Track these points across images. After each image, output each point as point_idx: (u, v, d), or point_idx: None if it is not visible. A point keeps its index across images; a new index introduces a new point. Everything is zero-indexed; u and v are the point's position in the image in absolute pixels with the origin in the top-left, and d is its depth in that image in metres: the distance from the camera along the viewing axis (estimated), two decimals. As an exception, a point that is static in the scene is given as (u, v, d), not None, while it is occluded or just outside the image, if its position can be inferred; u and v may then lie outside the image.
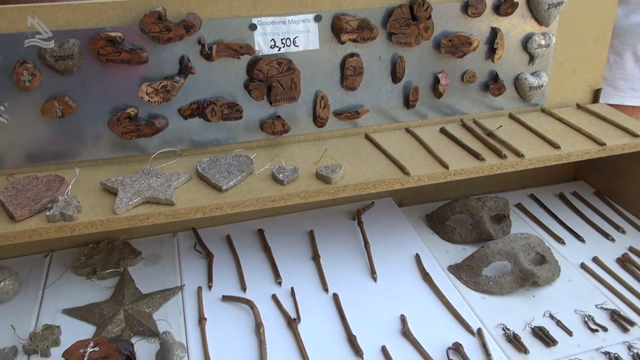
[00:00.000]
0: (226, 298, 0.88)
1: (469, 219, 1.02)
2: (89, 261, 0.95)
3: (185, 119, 0.93)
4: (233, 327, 0.82)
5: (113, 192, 0.84)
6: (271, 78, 0.93)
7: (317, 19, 0.93)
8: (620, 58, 1.24)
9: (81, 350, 0.69)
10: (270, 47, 0.93)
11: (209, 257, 0.97)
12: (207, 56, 0.89)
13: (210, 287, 0.91)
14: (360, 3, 0.94)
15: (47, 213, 0.78)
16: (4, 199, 0.80)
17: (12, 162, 0.89)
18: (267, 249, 0.99)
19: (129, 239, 1.01)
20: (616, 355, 0.76)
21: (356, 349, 0.78)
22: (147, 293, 0.89)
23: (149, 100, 0.89)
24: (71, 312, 0.86)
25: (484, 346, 0.77)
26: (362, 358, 0.77)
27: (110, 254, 0.96)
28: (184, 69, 0.90)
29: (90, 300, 0.88)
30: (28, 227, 0.77)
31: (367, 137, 1.02)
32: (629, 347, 0.77)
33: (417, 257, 0.96)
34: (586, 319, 0.83)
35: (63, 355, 0.69)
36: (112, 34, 0.84)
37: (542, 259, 0.92)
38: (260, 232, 1.03)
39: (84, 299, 0.88)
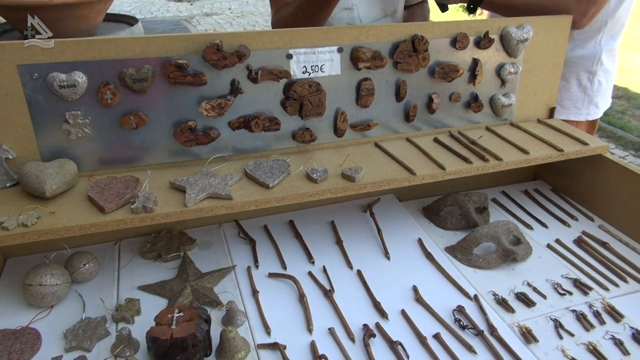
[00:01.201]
0: (272, 275, 0.95)
1: (458, 210, 1.11)
2: (154, 247, 1.00)
3: (234, 130, 1.00)
4: (281, 298, 0.89)
5: (180, 190, 0.90)
6: (303, 97, 1.01)
7: (340, 50, 1.01)
8: (567, 83, 1.35)
9: (169, 315, 0.75)
10: (303, 72, 1.00)
11: (252, 243, 1.03)
12: (253, 79, 0.97)
13: (257, 267, 0.97)
14: (373, 38, 1.03)
15: (132, 206, 0.83)
16: (93, 196, 0.85)
17: (92, 166, 0.94)
18: (298, 236, 1.06)
19: (184, 229, 1.07)
20: (581, 312, 0.86)
21: (381, 312, 0.85)
22: (207, 272, 0.95)
23: (206, 115, 0.95)
24: (145, 288, 0.91)
25: (480, 308, 0.86)
26: (387, 318, 0.85)
27: (171, 242, 1.02)
28: (235, 89, 0.96)
29: (160, 279, 0.93)
30: (117, 218, 0.82)
31: (377, 145, 1.10)
32: (590, 306, 0.87)
33: (420, 241, 1.05)
34: (555, 285, 0.93)
35: (155, 319, 0.75)
36: (180, 61, 0.90)
37: (518, 240, 1.02)
38: (291, 222, 1.10)
39: (154, 278, 0.93)
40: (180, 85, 0.92)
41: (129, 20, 2.28)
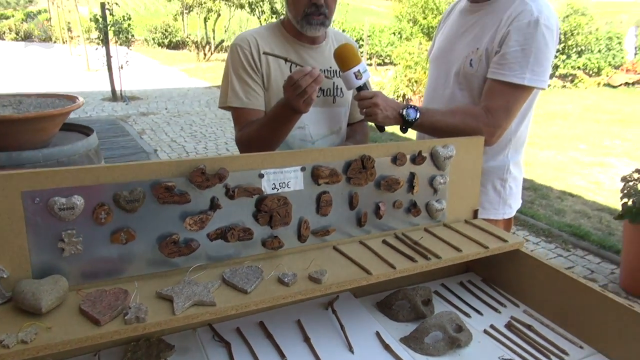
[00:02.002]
0: (250, 374, 1.03)
1: (407, 304, 1.27)
2: (134, 356, 1.05)
3: (212, 241, 1.12)
4: (261, 395, 0.97)
5: (167, 299, 0.99)
6: (272, 210, 1.16)
7: (303, 169, 1.20)
8: (485, 189, 1.60)
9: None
10: (272, 188, 1.17)
11: (227, 346, 1.12)
12: (231, 197, 1.11)
13: (235, 367, 1.05)
14: (330, 159, 1.22)
15: (125, 317, 0.91)
16: (86, 309, 0.93)
17: (81, 280, 1.01)
18: (270, 337, 1.15)
19: (162, 336, 1.13)
20: (518, 387, 1.01)
21: (353, 402, 0.96)
22: (188, 376, 1.02)
23: (189, 229, 1.07)
24: (132, 396, 0.96)
25: (436, 390, 1.00)
26: (359, 407, 0.95)
27: (150, 349, 1.08)
28: (214, 205, 1.10)
29: (144, 386, 0.98)
30: (111, 329, 0.90)
31: (335, 248, 1.26)
32: (525, 382, 1.03)
33: (378, 334, 1.18)
34: (495, 366, 1.08)
35: None
36: (169, 183, 1.04)
37: (460, 328, 1.18)
38: (262, 324, 1.20)
39: (138, 385, 0.98)
40: (167, 204, 1.05)
41: (84, 130, 2.38)
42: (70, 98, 2.34)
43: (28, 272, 0.97)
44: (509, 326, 1.24)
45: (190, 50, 19.70)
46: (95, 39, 9.73)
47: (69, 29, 19.60)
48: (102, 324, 0.90)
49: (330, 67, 1.59)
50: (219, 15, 17.78)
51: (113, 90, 9.26)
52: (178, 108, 8.82)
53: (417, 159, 1.34)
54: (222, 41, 19.47)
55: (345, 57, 1.43)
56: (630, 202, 2.86)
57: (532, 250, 3.47)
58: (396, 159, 1.31)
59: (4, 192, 0.93)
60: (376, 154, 1.28)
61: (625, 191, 2.87)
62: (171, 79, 12.94)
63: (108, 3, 8.69)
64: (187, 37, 19.27)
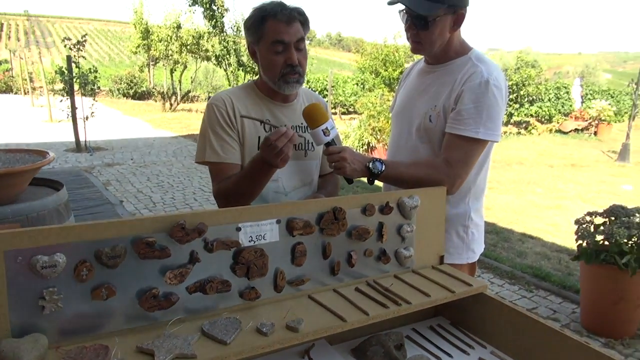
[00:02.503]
0: None
1: (381, 349, 1.31)
2: (113, 412, 1.05)
3: (190, 294, 1.15)
4: None
5: (148, 353, 1.01)
6: (249, 262, 1.21)
7: (278, 222, 1.25)
8: (449, 235, 1.69)
9: None
10: (249, 241, 1.21)
11: (206, 397, 1.13)
12: (209, 250, 1.16)
13: (215, 420, 1.06)
14: (304, 211, 1.29)
15: (107, 373, 0.93)
16: (67, 366, 0.93)
17: (60, 337, 1.02)
18: (248, 386, 1.17)
19: (140, 391, 1.13)
20: None
21: None
22: None
23: (169, 283, 1.11)
24: None
25: None
26: None
27: (128, 405, 1.08)
28: (193, 259, 1.14)
29: None
30: (93, 386, 0.91)
31: (310, 297, 1.30)
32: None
33: (354, 380, 1.22)
34: (466, 407, 1.13)
35: None
36: (149, 239, 1.08)
37: (432, 371, 1.23)
38: (240, 374, 1.22)
39: None
40: (148, 259, 1.08)
41: (53, 185, 2.38)
42: (41, 153, 2.35)
43: (7, 331, 0.97)
44: (477, 367, 1.30)
45: (156, 101, 19.78)
46: (60, 90, 9.67)
47: (31, 80, 19.44)
48: (83, 381, 0.91)
49: (302, 124, 1.68)
50: (185, 67, 18.05)
51: (77, 141, 9.16)
52: (144, 158, 8.77)
53: (385, 209, 1.43)
54: (189, 91, 19.69)
55: (313, 116, 1.53)
56: (584, 244, 3.02)
57: (496, 293, 3.58)
58: (365, 210, 1.39)
59: (-14, 252, 0.94)
60: (347, 206, 1.36)
61: (580, 233, 3.03)
62: (136, 129, 12.91)
63: (74, 56, 8.74)
64: (153, 87, 19.37)
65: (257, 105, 1.63)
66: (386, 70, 11.76)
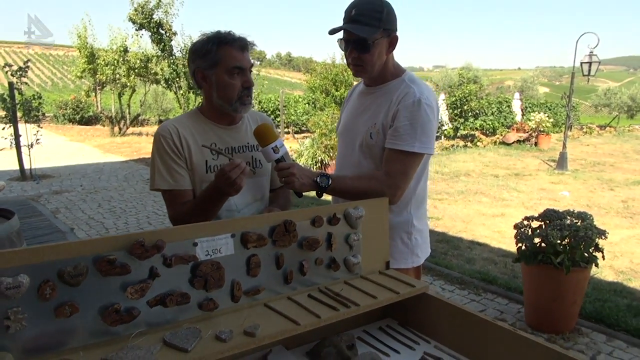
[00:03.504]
0: None
1: (333, 350, 1.41)
2: None
3: (151, 307, 1.22)
4: None
5: (112, 364, 1.07)
6: (207, 274, 1.29)
7: (233, 236, 1.34)
8: (393, 241, 1.82)
9: None
10: (206, 255, 1.30)
11: (169, 405, 1.19)
12: (168, 265, 1.23)
13: None
14: (257, 225, 1.39)
15: (74, 384, 0.98)
16: (34, 381, 0.98)
17: (26, 354, 1.06)
18: (210, 392, 1.24)
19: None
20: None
21: None
22: None
23: (131, 297, 1.17)
24: None
25: (362, 421, 1.14)
26: None
27: (94, 417, 1.13)
28: (153, 274, 1.21)
29: None
30: (61, 397, 0.96)
31: (266, 305, 1.39)
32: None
33: (309, 379, 1.31)
34: (411, 395, 1.25)
35: None
36: (110, 257, 1.14)
37: (381, 365, 1.35)
38: (201, 382, 1.28)
39: None
40: (110, 275, 1.15)
41: (5, 214, 2.36)
42: (-11, 182, 2.33)
43: (-28, 352, 1.01)
44: (421, 360, 1.42)
45: (104, 125, 19.33)
46: (2, 117, 9.34)
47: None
48: (51, 393, 0.96)
49: (248, 143, 1.79)
50: (134, 90, 17.78)
51: (22, 170, 8.85)
52: (94, 184, 8.58)
53: (332, 220, 1.54)
54: (138, 115, 19.35)
55: (263, 135, 1.64)
56: (523, 247, 3.25)
57: (448, 298, 3.76)
58: (315, 222, 1.50)
59: (-50, 276, 0.99)
60: (297, 218, 1.46)
61: (519, 237, 3.26)
62: (85, 155, 12.57)
63: (17, 82, 8.49)
64: (100, 112, 18.92)
65: (203, 131, 1.72)
66: (337, 90, 12.07)
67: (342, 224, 1.57)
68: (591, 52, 10.50)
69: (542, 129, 14.48)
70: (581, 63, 10.90)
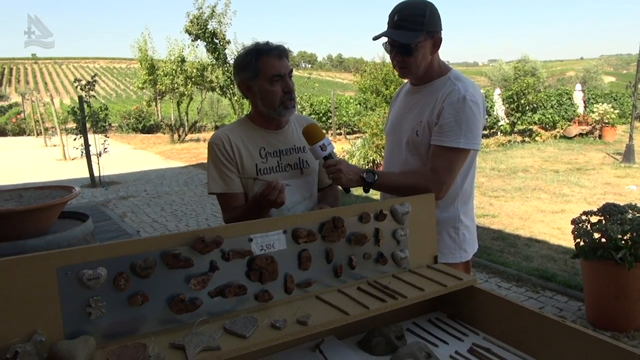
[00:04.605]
0: (253, 408, 1.21)
1: (383, 340, 1.47)
2: (152, 402, 1.22)
3: (212, 298, 1.33)
4: None
5: (179, 348, 1.18)
6: (262, 268, 1.39)
7: (284, 232, 1.43)
8: (441, 237, 1.85)
9: None
10: (260, 250, 1.39)
11: (231, 388, 1.29)
12: (226, 259, 1.34)
13: (240, 404, 1.22)
14: (307, 222, 1.47)
15: (148, 364, 1.10)
16: (113, 360, 1.11)
17: (105, 339, 1.20)
18: (267, 377, 1.34)
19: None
20: (478, 398, 1.21)
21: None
22: (200, 415, 1.18)
23: (194, 288, 1.29)
24: None
25: (410, 406, 1.19)
26: None
27: (165, 396, 1.25)
28: (213, 267, 1.32)
29: None
30: (136, 375, 1.08)
31: (317, 297, 1.47)
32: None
33: (359, 367, 1.38)
34: (459, 383, 1.28)
35: None
36: (175, 252, 1.26)
37: (429, 355, 1.38)
38: (259, 368, 1.38)
39: None
40: (174, 268, 1.27)
41: (81, 217, 2.58)
42: (67, 188, 2.56)
43: (61, 335, 1.16)
44: (471, 351, 1.45)
45: (164, 133, 20.21)
46: (73, 129, 10.03)
47: (42, 121, 20.00)
48: (128, 371, 1.08)
49: (295, 145, 1.89)
50: (191, 98, 18.51)
51: (92, 177, 9.46)
52: (157, 189, 9.03)
53: (379, 216, 1.60)
54: (196, 122, 20.10)
55: (312, 134, 1.73)
56: (582, 242, 3.15)
57: (505, 295, 3.69)
58: (362, 218, 1.57)
59: (42, 270, 1.13)
60: (345, 215, 1.53)
61: (577, 232, 3.17)
62: (147, 162, 13.23)
63: (85, 96, 9.10)
64: (161, 120, 19.84)
65: (253, 137, 1.83)
66: (387, 89, 12.03)
67: (389, 219, 1.62)
68: (658, 36, 9.86)
69: (606, 121, 13.74)
70: (647, 49, 10.26)
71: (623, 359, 1.18)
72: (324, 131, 1.76)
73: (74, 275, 1.16)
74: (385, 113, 10.32)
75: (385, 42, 1.81)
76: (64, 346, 1.11)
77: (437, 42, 1.80)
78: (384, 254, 1.62)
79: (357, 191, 6.41)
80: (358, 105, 17.85)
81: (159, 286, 1.26)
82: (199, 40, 11.08)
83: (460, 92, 1.74)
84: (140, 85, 18.92)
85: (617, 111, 14.52)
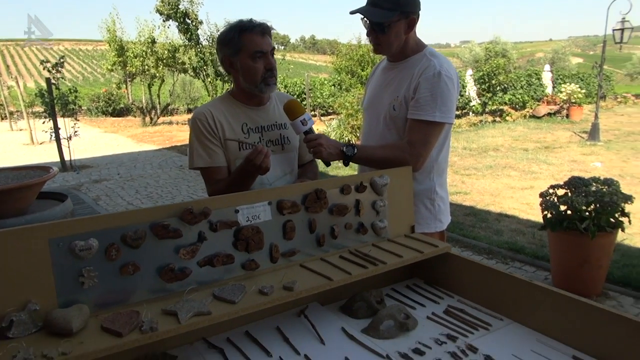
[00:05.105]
0: (244, 368, 1.27)
1: (364, 304, 1.55)
2: (146, 367, 1.27)
3: (201, 267, 1.38)
4: (255, 382, 1.21)
5: (171, 314, 1.23)
6: (248, 238, 1.44)
7: (269, 203, 1.49)
8: (417, 208, 1.94)
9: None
10: (246, 220, 1.44)
11: (220, 351, 1.35)
12: (214, 230, 1.38)
13: (231, 366, 1.29)
14: (291, 194, 1.53)
15: (142, 329, 1.15)
16: (107, 326, 1.15)
17: (98, 307, 1.24)
18: (255, 341, 1.40)
19: (165, 351, 1.35)
20: (454, 352, 1.31)
21: (328, 377, 1.22)
22: (193, 376, 1.24)
23: (183, 258, 1.33)
24: (150, 396, 1.17)
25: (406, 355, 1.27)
26: (333, 380, 1.21)
27: (158, 361, 1.30)
28: (201, 238, 1.37)
29: (158, 387, 1.20)
30: (132, 339, 1.13)
31: (301, 266, 1.54)
32: (458, 347, 1.33)
33: (343, 329, 1.45)
34: (436, 340, 1.37)
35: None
36: (165, 223, 1.30)
37: (407, 316, 1.47)
38: (247, 333, 1.44)
39: (153, 388, 1.20)
40: (164, 239, 1.31)
41: (59, 197, 2.58)
42: (44, 169, 2.54)
43: (55, 304, 1.19)
44: (446, 312, 1.54)
45: (135, 116, 19.83)
46: (41, 112, 9.76)
47: (7, 105, 19.34)
48: (124, 335, 1.13)
49: (276, 122, 1.93)
50: (162, 80, 18.15)
51: (62, 161, 9.26)
52: (130, 172, 8.92)
53: (359, 188, 1.67)
54: (168, 104, 19.76)
55: (292, 109, 1.77)
56: (549, 214, 3.30)
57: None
58: (343, 190, 1.63)
59: (34, 241, 1.16)
60: (327, 187, 1.59)
61: (544, 205, 3.31)
62: (119, 145, 13.00)
63: (53, 78, 8.85)
64: (131, 103, 19.42)
65: (235, 112, 1.86)
66: (363, 70, 12.06)
67: (368, 191, 1.69)
68: (623, 18, 10.17)
69: (573, 101, 14.14)
70: (613, 30, 10.57)
71: (584, 311, 1.29)
72: (300, 112, 1.80)
73: (66, 247, 1.19)
74: (360, 94, 10.38)
75: (363, 18, 1.86)
76: (60, 314, 1.14)
77: (411, 23, 1.85)
78: (364, 224, 1.69)
79: (336, 170, 6.50)
80: (332, 87, 17.85)
81: (149, 256, 1.30)
82: (170, 20, 10.85)
83: (436, 68, 1.81)
84: (109, 67, 18.41)
85: (583, 91, 14.94)
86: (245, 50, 1.78)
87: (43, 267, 1.17)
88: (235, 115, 1.86)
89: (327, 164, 1.83)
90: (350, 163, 1.84)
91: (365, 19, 1.84)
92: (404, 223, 1.81)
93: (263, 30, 1.78)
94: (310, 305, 1.59)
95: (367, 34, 1.88)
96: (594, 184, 3.20)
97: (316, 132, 1.82)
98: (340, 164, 1.83)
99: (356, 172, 2.12)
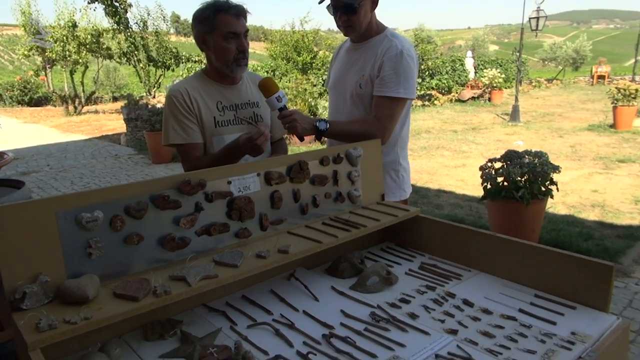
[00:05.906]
0: (250, 326, 1.36)
1: (348, 265, 1.68)
2: (154, 332, 1.32)
3: (199, 236, 1.44)
4: (263, 337, 1.31)
5: (179, 279, 1.29)
6: (241, 207, 1.51)
7: (258, 175, 1.57)
8: (385, 178, 2.10)
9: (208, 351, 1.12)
10: (238, 191, 1.52)
11: (223, 313, 1.43)
12: (210, 200, 1.44)
13: (236, 324, 1.37)
14: (277, 165, 1.61)
15: (156, 292, 1.20)
16: (121, 292, 1.20)
17: (106, 277, 1.27)
18: (253, 303, 1.49)
19: (169, 317, 1.40)
20: (435, 298, 1.47)
21: (326, 326, 1.34)
22: (202, 336, 1.31)
23: (184, 227, 1.39)
24: (165, 356, 1.23)
25: (382, 309, 1.41)
26: (334, 327, 1.33)
27: (164, 326, 1.35)
28: (198, 208, 1.43)
29: (171, 349, 1.26)
30: (148, 302, 1.18)
31: (289, 232, 1.63)
32: (438, 294, 1.49)
33: (333, 287, 1.57)
34: (417, 290, 1.53)
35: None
36: (165, 194, 1.35)
37: (389, 272, 1.62)
38: (244, 297, 1.53)
39: (166, 350, 1.26)
40: (165, 209, 1.35)
41: (15, 184, 2.48)
42: (-3, 154, 2.43)
43: (64, 275, 1.21)
44: (421, 267, 1.71)
45: (56, 105, 18.63)
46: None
47: None
48: (140, 299, 1.18)
49: (249, 100, 1.99)
50: (86, 67, 17.15)
51: (-17, 154, 8.58)
52: (61, 163, 8.46)
53: (337, 159, 1.78)
54: (93, 92, 18.73)
55: (268, 87, 1.84)
56: (488, 186, 3.60)
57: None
58: (322, 161, 1.74)
59: (40, 214, 1.17)
60: (308, 159, 1.69)
61: (484, 177, 3.61)
62: (43, 136, 12.22)
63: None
64: (52, 92, 18.18)
65: (209, 90, 1.90)
66: (299, 56, 12.12)
67: (344, 163, 1.81)
68: (538, 7, 10.96)
69: (494, 85, 15.04)
70: (529, 18, 11.36)
71: (539, 252, 1.50)
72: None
73: (72, 219, 1.21)
74: (297, 79, 10.44)
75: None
76: (73, 283, 1.17)
77: (375, 0, 1.98)
78: (342, 193, 1.81)
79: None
80: (266, 73, 17.73)
81: (152, 226, 1.34)
82: (96, 3, 10.27)
83: (398, 47, 1.95)
84: (25, 52, 17.08)
85: (503, 76, 15.91)
86: (219, 30, 1.82)
87: (51, 240, 1.19)
88: (209, 93, 1.90)
89: (301, 139, 1.93)
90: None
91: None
92: (375, 192, 1.95)
93: (238, 12, 1.83)
94: (297, 270, 1.69)
95: (337, 19, 1.98)
96: (527, 156, 3.53)
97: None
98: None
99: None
